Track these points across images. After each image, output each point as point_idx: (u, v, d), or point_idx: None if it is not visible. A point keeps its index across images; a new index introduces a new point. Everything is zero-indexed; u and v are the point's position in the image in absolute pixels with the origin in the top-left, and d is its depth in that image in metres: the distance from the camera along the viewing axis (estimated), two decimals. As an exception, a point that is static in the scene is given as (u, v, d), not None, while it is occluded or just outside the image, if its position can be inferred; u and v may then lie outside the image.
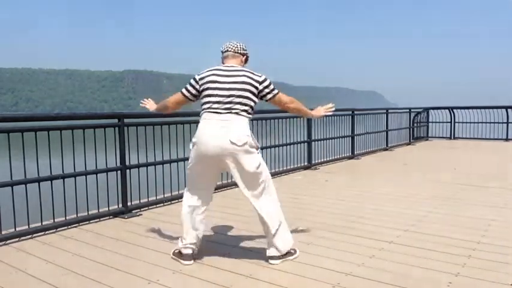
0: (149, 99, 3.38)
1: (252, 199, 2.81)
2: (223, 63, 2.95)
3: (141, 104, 3.39)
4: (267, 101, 2.90)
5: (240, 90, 2.76)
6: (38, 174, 3.52)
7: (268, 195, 2.84)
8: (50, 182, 3.57)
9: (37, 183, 3.48)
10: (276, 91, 2.89)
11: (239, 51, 2.94)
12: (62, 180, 3.65)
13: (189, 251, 2.88)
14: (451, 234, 3.40)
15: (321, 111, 3.25)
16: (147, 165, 4.40)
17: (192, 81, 2.91)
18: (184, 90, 2.94)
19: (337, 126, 8.04)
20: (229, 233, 3.54)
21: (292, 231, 3.50)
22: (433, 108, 12.98)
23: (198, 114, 2.89)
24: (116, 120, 4.14)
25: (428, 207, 4.32)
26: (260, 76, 2.84)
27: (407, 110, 11.69)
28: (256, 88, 2.81)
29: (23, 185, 3.39)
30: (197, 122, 2.85)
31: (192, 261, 2.86)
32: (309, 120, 7.08)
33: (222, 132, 2.68)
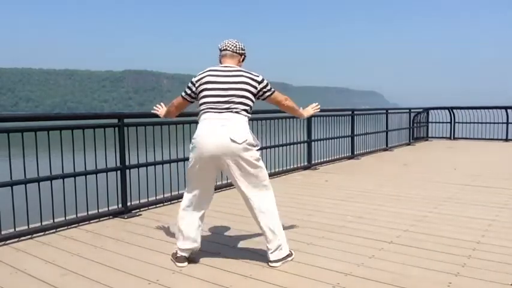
0: (161, 104, 3.49)
1: (252, 198, 2.78)
2: (220, 61, 2.96)
3: (153, 110, 3.54)
4: (264, 99, 2.94)
5: (239, 90, 2.77)
6: (38, 174, 3.52)
7: (268, 194, 2.84)
8: (49, 182, 3.57)
9: (37, 183, 3.48)
10: (272, 90, 2.94)
11: (237, 51, 2.94)
12: (61, 180, 3.65)
13: (184, 254, 2.85)
14: (451, 234, 3.41)
15: (309, 110, 3.41)
16: (147, 165, 4.40)
17: (189, 84, 2.95)
18: (183, 93, 3.02)
19: (337, 126, 8.03)
20: (229, 234, 3.53)
21: (292, 232, 3.50)
22: (433, 108, 12.97)
23: (197, 114, 2.89)
24: (115, 120, 4.14)
25: (428, 207, 4.32)
26: (258, 76, 2.86)
27: (407, 110, 11.69)
28: (256, 88, 2.83)
29: (23, 185, 3.38)
30: (196, 122, 2.84)
31: (186, 263, 2.83)
32: (309, 120, 7.08)
33: (222, 130, 2.68)
